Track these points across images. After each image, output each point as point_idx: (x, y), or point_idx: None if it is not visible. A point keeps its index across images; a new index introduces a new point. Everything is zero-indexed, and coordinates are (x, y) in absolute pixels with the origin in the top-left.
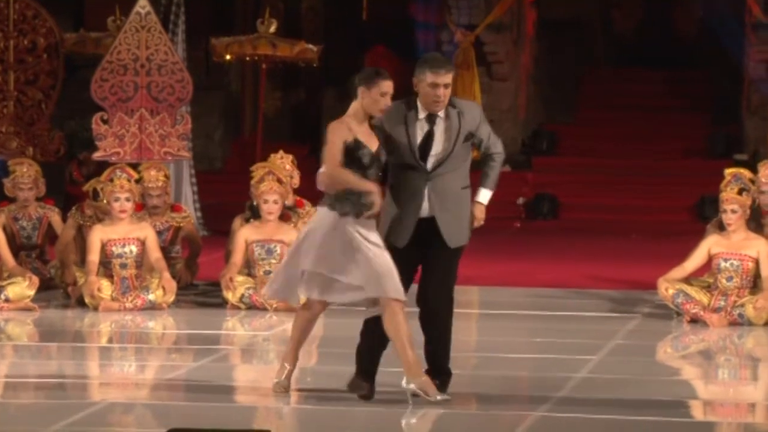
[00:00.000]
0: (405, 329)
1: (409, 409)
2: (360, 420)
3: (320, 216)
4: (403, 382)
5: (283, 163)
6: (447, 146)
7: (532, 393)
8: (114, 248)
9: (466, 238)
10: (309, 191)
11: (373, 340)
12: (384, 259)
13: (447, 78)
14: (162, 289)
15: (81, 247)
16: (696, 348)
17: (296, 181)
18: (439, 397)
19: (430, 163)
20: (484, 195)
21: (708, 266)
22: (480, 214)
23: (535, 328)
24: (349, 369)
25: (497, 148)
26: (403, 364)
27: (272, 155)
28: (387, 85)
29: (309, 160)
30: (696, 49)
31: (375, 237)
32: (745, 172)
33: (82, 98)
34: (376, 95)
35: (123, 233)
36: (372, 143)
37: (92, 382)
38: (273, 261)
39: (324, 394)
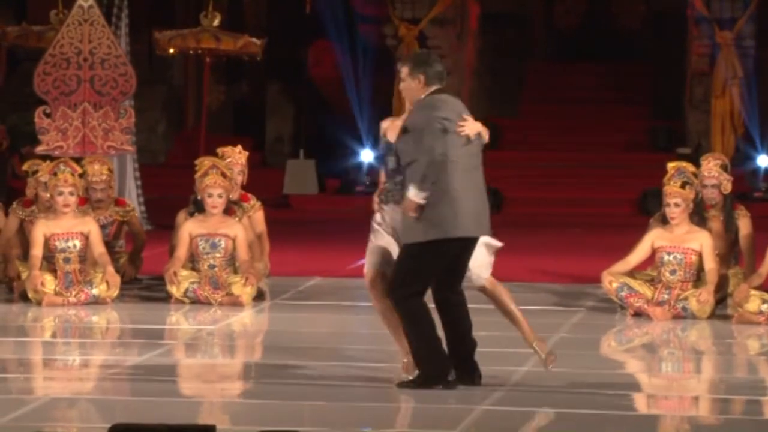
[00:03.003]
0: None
1: (357, 403)
2: (307, 413)
3: None
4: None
5: (240, 158)
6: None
7: (476, 386)
8: (57, 243)
9: None
10: (253, 185)
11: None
12: None
13: None
14: (106, 283)
15: (23, 242)
16: (640, 341)
17: (246, 177)
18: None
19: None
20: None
21: (651, 260)
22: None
23: (479, 322)
24: (293, 363)
25: None
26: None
27: (230, 148)
28: None
29: (253, 154)
30: (639, 42)
31: None
32: (688, 166)
33: (25, 92)
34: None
35: (66, 227)
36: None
37: (36, 377)
38: (217, 255)
39: (268, 387)
